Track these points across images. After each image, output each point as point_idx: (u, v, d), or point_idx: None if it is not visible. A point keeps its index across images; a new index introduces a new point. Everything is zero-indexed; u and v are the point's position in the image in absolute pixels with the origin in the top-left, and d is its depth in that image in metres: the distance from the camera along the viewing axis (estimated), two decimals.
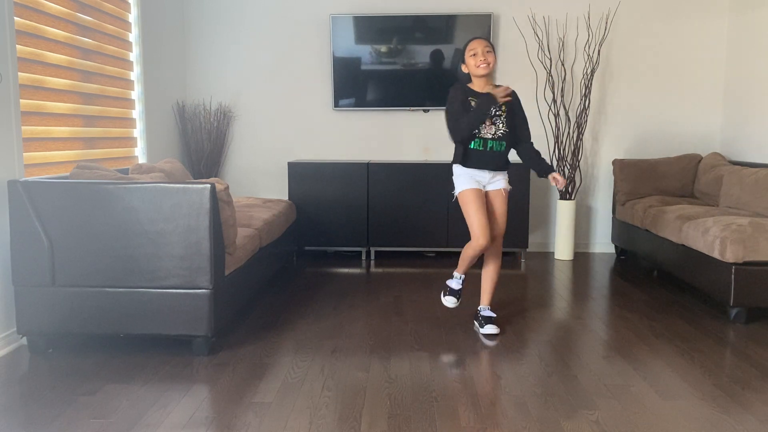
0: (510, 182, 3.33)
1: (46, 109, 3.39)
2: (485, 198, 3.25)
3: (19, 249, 2.90)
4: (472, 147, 3.21)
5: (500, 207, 3.27)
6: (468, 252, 3.27)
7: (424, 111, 5.33)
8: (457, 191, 3.25)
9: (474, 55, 3.15)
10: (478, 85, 3.21)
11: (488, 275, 3.38)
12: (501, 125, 3.19)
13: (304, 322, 3.48)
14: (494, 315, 3.36)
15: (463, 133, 3.14)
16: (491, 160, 3.22)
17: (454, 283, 3.41)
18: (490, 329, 3.27)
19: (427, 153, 5.38)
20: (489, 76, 3.21)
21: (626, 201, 4.99)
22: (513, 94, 3.23)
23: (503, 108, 3.19)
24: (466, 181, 3.23)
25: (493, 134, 3.19)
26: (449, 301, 3.41)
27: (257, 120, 5.47)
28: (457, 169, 3.26)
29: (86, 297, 2.91)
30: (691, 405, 2.44)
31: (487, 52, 3.15)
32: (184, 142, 5.28)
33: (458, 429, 2.23)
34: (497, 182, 3.27)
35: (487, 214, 3.23)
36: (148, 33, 4.65)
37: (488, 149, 3.20)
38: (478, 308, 3.41)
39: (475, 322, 3.38)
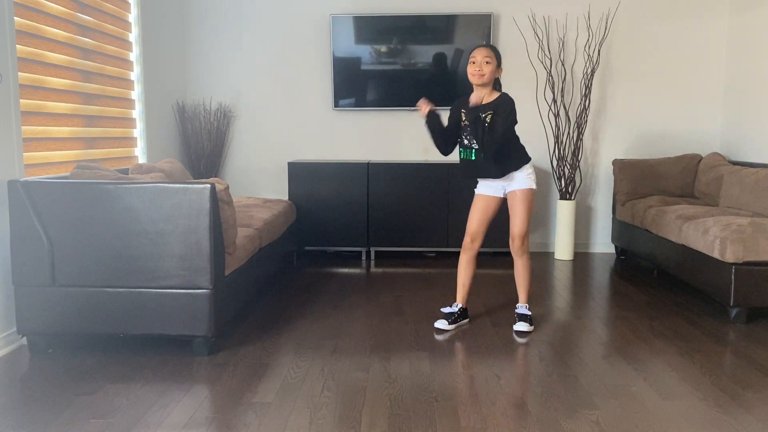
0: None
1: (46, 109, 3.39)
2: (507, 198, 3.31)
3: (19, 249, 2.90)
4: (462, 157, 3.27)
5: (515, 207, 3.26)
6: (461, 255, 3.38)
7: None
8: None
9: (473, 63, 3.11)
10: (475, 95, 3.15)
11: (517, 274, 3.39)
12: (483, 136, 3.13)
13: (304, 322, 3.48)
14: (528, 313, 3.36)
15: (438, 149, 3.29)
16: (476, 171, 3.25)
17: (447, 309, 3.43)
18: (520, 326, 3.30)
19: (427, 153, 5.37)
20: (486, 85, 3.13)
21: (626, 201, 4.99)
22: (496, 103, 3.11)
23: (487, 119, 3.08)
24: (479, 186, 3.34)
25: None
26: (439, 323, 3.34)
27: (257, 120, 5.47)
28: None
29: (86, 297, 2.91)
30: (691, 405, 2.44)
31: (486, 62, 3.08)
32: (184, 142, 5.28)
33: (458, 429, 2.23)
34: (512, 184, 3.25)
35: (508, 215, 3.31)
36: (148, 33, 4.65)
37: (473, 159, 3.21)
38: (516, 306, 3.44)
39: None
